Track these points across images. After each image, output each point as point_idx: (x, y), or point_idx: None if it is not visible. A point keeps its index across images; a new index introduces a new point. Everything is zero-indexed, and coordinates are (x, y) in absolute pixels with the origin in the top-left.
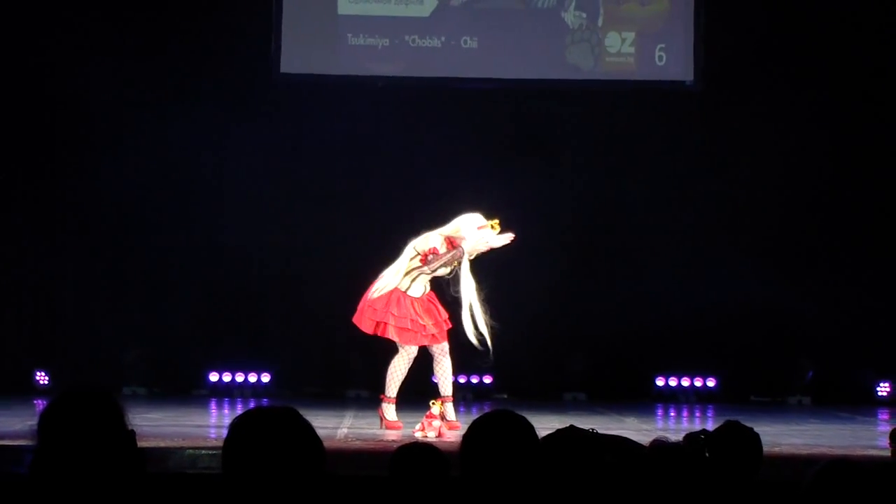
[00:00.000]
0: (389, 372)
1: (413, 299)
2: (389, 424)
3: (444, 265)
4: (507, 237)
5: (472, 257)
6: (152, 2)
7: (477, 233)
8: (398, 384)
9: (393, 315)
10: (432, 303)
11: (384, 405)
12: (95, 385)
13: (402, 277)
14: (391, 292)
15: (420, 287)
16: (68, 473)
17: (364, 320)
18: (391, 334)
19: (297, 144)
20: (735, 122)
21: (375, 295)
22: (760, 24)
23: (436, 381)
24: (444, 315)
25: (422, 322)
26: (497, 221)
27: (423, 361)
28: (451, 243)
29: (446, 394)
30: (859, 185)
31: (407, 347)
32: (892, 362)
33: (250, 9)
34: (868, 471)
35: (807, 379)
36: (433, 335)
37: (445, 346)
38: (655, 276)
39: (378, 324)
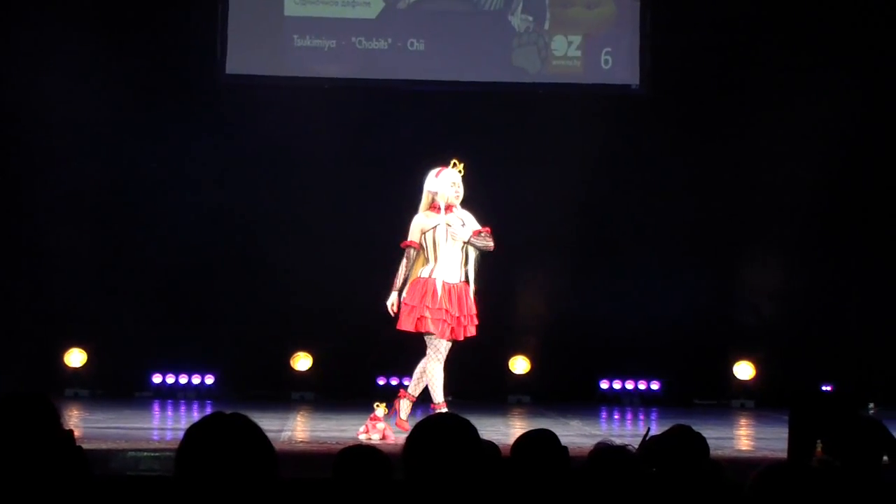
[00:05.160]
0: (429, 378)
1: (438, 287)
2: None
3: (436, 239)
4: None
5: (452, 203)
6: (97, 4)
7: (437, 181)
8: (440, 386)
9: (428, 307)
10: (463, 294)
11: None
12: (30, 389)
13: (419, 266)
14: (414, 282)
15: (448, 273)
16: (6, 475)
17: (403, 320)
18: (428, 327)
19: (243, 146)
20: (680, 126)
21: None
22: (705, 29)
23: (409, 380)
24: (470, 310)
25: (454, 314)
26: (455, 162)
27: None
28: (434, 208)
29: (414, 394)
30: (804, 187)
31: (433, 341)
32: (836, 365)
33: (195, 10)
34: (808, 473)
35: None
36: (452, 329)
37: (448, 346)
38: (599, 280)
39: (418, 319)
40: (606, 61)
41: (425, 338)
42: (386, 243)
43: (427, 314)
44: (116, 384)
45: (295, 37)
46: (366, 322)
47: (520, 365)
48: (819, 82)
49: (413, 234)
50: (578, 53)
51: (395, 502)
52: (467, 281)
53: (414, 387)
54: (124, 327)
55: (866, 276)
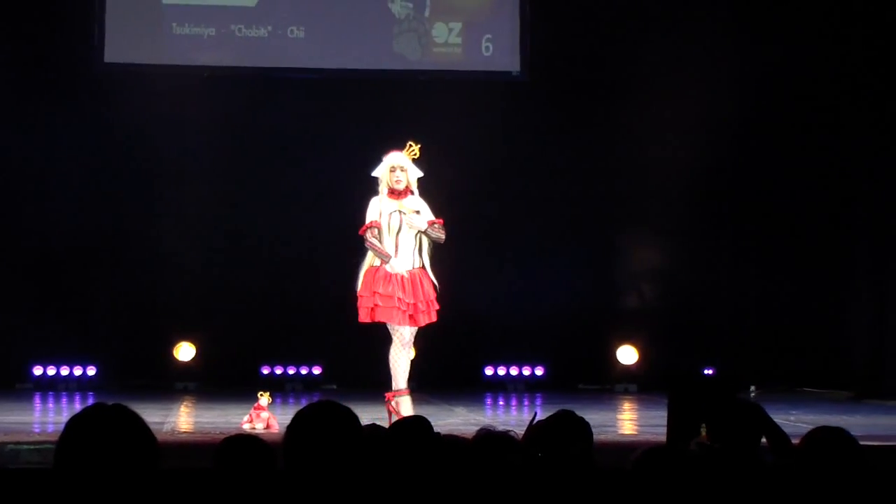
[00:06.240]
0: (391, 364)
1: (392, 275)
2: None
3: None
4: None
5: (394, 188)
6: None
7: (379, 165)
8: (405, 374)
9: (379, 294)
10: (419, 280)
11: (398, 399)
12: None
13: (371, 256)
14: (367, 272)
15: (402, 261)
16: None
17: (360, 312)
18: (381, 316)
19: (122, 134)
20: (560, 112)
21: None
22: (584, 15)
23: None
24: (428, 296)
25: (408, 300)
26: (410, 144)
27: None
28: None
29: (400, 387)
30: (683, 171)
31: (394, 329)
32: (718, 348)
33: None
34: (686, 456)
35: None
36: (411, 315)
37: (412, 332)
38: (481, 266)
39: (371, 309)
40: (487, 48)
41: (388, 326)
42: (265, 231)
43: (379, 302)
44: None
45: (174, 25)
46: (249, 311)
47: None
48: (695, 68)
49: (371, 215)
50: (459, 40)
51: (277, 491)
52: (423, 268)
53: (398, 380)
54: (3, 319)
55: (748, 259)
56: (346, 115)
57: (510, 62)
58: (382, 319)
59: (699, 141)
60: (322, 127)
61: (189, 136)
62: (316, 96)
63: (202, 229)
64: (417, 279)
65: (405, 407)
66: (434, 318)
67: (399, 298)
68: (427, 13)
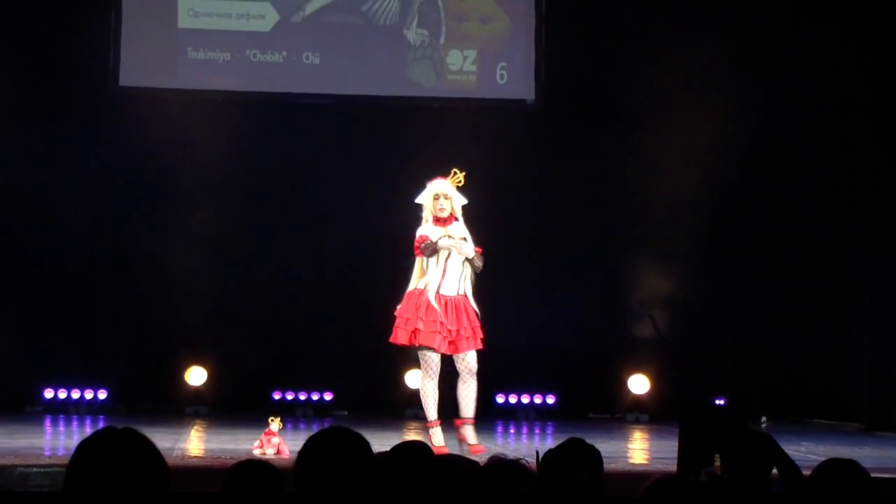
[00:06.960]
0: (421, 396)
1: (438, 297)
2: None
3: (434, 246)
4: (450, 180)
5: (437, 215)
6: None
7: (423, 193)
8: (434, 404)
9: (422, 319)
10: (463, 307)
11: (429, 431)
12: None
13: (416, 278)
14: (409, 294)
15: (449, 285)
16: None
17: (397, 333)
18: (422, 340)
19: (136, 158)
20: (574, 141)
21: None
22: (599, 44)
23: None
24: (472, 322)
25: (451, 327)
26: (455, 171)
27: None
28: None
29: (466, 416)
30: (698, 199)
31: (424, 356)
32: (730, 379)
33: (88, 22)
34: (696, 487)
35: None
36: (451, 342)
37: (472, 359)
38: (494, 294)
39: (412, 332)
40: (502, 76)
41: (417, 353)
42: (278, 256)
43: (421, 326)
44: (6, 399)
45: (189, 49)
46: (260, 336)
47: (414, 379)
48: (704, 98)
49: (422, 232)
50: (474, 68)
51: None
52: (467, 295)
53: (464, 409)
54: (14, 341)
55: (758, 289)
56: (360, 142)
57: (525, 90)
58: (423, 343)
59: (710, 169)
60: (336, 153)
61: (202, 161)
62: (330, 122)
63: (214, 254)
64: (462, 306)
65: (437, 438)
66: (479, 346)
67: (441, 323)
68: (442, 40)
